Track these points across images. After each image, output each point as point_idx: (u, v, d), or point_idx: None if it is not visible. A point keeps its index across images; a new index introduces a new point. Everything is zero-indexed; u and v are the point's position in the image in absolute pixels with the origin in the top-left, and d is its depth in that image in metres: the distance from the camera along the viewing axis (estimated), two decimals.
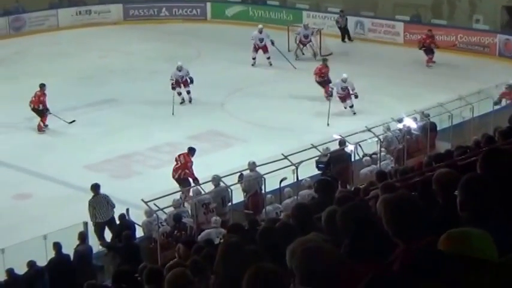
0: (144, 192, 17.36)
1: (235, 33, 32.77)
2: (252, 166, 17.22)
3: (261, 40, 29.21)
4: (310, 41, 30.28)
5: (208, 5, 37.22)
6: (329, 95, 24.18)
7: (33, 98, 23.44)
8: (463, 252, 3.66)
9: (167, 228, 15.53)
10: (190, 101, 25.31)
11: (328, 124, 22.72)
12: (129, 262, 13.36)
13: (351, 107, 24.01)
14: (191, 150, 18.93)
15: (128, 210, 16.25)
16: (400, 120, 19.34)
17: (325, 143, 18.23)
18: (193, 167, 18.67)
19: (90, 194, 17.84)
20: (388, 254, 4.17)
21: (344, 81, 23.84)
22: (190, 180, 18.57)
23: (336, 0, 35.73)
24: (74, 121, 23.40)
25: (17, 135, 23.02)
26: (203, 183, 16.54)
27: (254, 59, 29.25)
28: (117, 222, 15.84)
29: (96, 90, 26.52)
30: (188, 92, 25.28)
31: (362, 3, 35.30)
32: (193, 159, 18.79)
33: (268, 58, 29.20)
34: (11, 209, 18.24)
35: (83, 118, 24.03)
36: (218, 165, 19.00)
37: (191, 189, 16.46)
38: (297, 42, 30.33)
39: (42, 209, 18.08)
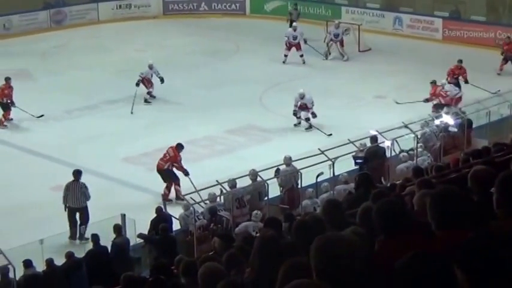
0: (181, 185, 17.52)
1: (274, 28, 32.75)
2: (288, 161, 17.26)
3: (295, 37, 29.16)
4: (341, 40, 30.10)
5: None
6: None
7: None
8: None
9: (204, 221, 15.61)
10: (145, 101, 25.17)
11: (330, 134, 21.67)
12: (165, 255, 13.46)
13: (307, 120, 22.63)
14: (179, 146, 18.84)
15: (165, 203, 16.35)
16: (438, 117, 19.27)
17: (362, 139, 18.23)
18: (182, 161, 18.64)
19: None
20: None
21: (301, 97, 22.56)
22: (177, 173, 18.54)
23: None
24: (42, 115, 23.22)
25: (57, 127, 23.22)
26: (240, 177, 16.58)
27: (286, 56, 29.09)
28: (154, 215, 15.93)
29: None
30: (148, 93, 25.31)
31: None
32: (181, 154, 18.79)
33: (302, 56, 29.09)
34: (49, 200, 18.37)
35: (121, 111, 24.21)
36: (255, 159, 19.09)
37: (225, 185, 16.47)
38: (327, 41, 30.17)
39: None
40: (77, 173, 17.14)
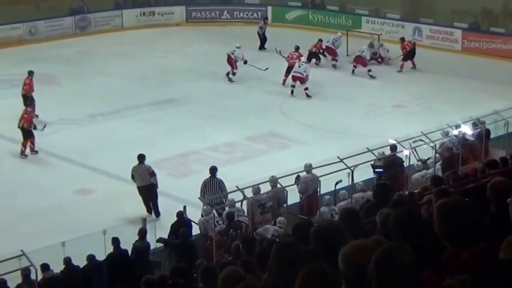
0: None
1: (295, 37, 32.88)
2: (308, 168, 17.37)
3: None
4: (380, 56, 30.24)
5: (269, 8, 37.51)
6: None
7: None
8: None
9: (223, 226, 15.74)
10: None
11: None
12: (185, 259, 13.60)
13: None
14: (30, 73, 24.10)
15: (185, 208, 16.46)
16: (457, 127, 19.33)
17: (381, 147, 18.31)
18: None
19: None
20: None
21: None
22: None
23: (395, 6, 35.83)
24: (45, 126, 22.28)
25: (80, 131, 23.44)
26: (260, 184, 16.70)
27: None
28: (175, 219, 16.06)
29: (158, 90, 26.91)
30: None
31: (421, 10, 35.24)
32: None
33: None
34: (72, 203, 18.60)
35: (144, 117, 24.43)
36: (275, 166, 19.23)
37: (245, 191, 16.59)
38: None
39: (102, 204, 18.40)
40: None
